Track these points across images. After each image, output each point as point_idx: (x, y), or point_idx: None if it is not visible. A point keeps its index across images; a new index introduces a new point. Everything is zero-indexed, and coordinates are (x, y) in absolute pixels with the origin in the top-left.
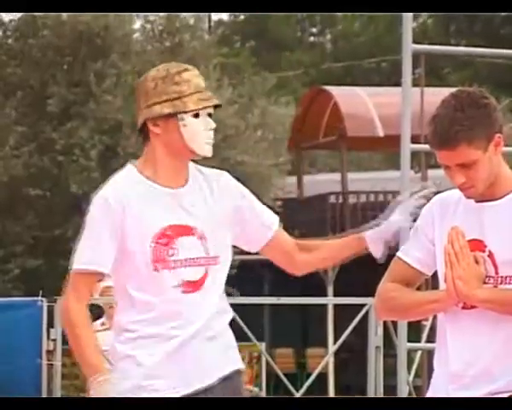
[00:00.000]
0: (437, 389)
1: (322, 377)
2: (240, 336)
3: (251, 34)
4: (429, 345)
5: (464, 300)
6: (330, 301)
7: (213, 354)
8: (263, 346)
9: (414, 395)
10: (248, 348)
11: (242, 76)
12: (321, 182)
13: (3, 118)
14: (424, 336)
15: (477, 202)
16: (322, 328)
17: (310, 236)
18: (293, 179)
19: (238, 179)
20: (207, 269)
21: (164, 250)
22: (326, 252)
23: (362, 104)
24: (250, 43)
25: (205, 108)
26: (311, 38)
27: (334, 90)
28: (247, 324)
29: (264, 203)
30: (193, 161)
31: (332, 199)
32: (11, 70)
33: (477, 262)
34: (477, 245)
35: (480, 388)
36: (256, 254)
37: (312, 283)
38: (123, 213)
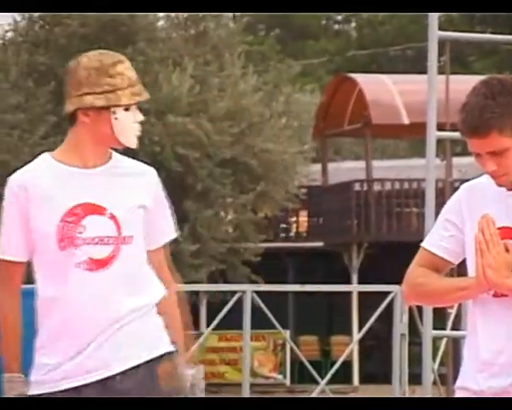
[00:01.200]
0: (466, 377)
1: (347, 364)
2: (264, 323)
3: (275, 22)
4: (454, 333)
5: (494, 288)
6: (355, 288)
7: (114, 343)
8: (287, 333)
9: (438, 384)
10: (273, 335)
11: (267, 64)
12: (345, 170)
13: (36, 107)
14: (449, 323)
15: (508, 189)
16: (346, 316)
17: (334, 223)
18: (317, 167)
19: (262, 165)
20: (118, 248)
21: (72, 228)
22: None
23: (387, 92)
24: (275, 31)
25: (135, 102)
26: (336, 26)
27: (359, 78)
28: (271, 311)
29: (289, 191)
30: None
31: (357, 187)
32: (41, 58)
33: (507, 250)
34: (508, 233)
35: (509, 376)
36: (280, 242)
37: (337, 270)
38: (26, 197)
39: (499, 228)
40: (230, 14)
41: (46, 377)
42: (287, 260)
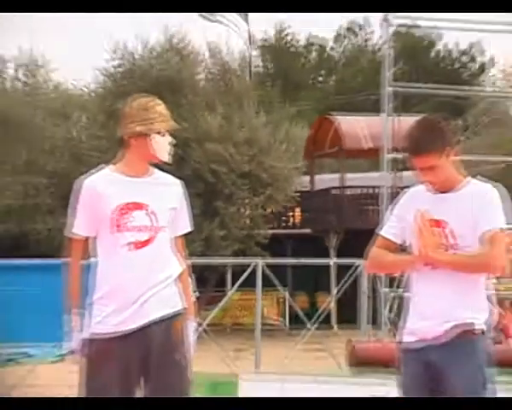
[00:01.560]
0: (410, 322)
1: (327, 313)
2: (271, 285)
3: (278, 78)
4: (401, 291)
5: (427, 261)
6: (333, 261)
7: (155, 301)
8: (286, 292)
9: (389, 326)
10: (276, 293)
11: (272, 107)
12: (326, 180)
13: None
14: (397, 285)
15: (434, 193)
16: (327, 280)
17: (318, 216)
18: (307, 178)
19: (268, 177)
20: (153, 235)
21: (122, 218)
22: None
23: (354, 127)
24: (277, 83)
25: (167, 130)
26: (320, 79)
27: (336, 117)
28: (276, 277)
29: (287, 194)
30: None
31: (334, 191)
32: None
33: (436, 235)
34: (435, 223)
35: (436, 319)
36: (282, 229)
37: (320, 249)
38: (93, 194)
39: (429, 220)
40: (247, 73)
41: (102, 320)
42: (286, 241)
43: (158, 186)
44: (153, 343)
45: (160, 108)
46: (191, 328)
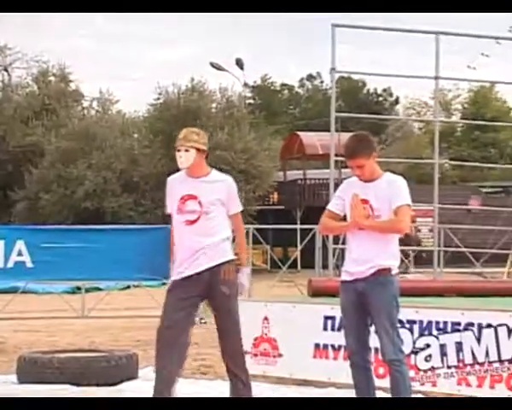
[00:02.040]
0: (346, 265)
1: (295, 260)
2: (258, 242)
3: (263, 108)
4: (342, 246)
5: (359, 226)
6: (298, 226)
7: (204, 256)
8: (268, 247)
9: (334, 269)
10: (262, 247)
11: (259, 128)
12: (294, 174)
13: (156, 148)
14: (340, 241)
15: (364, 182)
16: (295, 239)
17: (289, 198)
18: (281, 173)
19: (257, 172)
20: (200, 216)
21: (182, 204)
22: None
23: (313, 139)
24: (263, 113)
25: (180, 148)
26: (290, 109)
27: (300, 134)
28: (262, 237)
29: (269, 184)
30: (219, 169)
31: (299, 182)
32: (159, 126)
33: (364, 209)
34: (364, 201)
35: (364, 263)
36: (265, 206)
37: (290, 219)
38: (172, 187)
39: (361, 199)
40: (242, 106)
41: (175, 271)
42: (268, 214)
43: (208, 183)
44: (204, 283)
45: (181, 133)
46: (245, 271)
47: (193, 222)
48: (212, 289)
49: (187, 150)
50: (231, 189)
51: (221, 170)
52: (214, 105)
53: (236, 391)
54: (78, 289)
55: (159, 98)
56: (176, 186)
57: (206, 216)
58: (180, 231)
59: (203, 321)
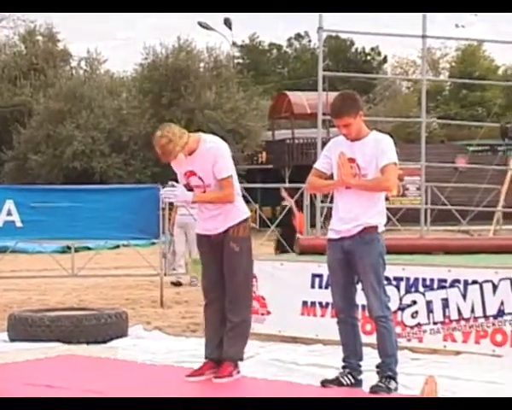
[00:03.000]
0: (333, 224)
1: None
2: (247, 201)
3: (252, 68)
4: (329, 204)
5: (345, 184)
6: (287, 185)
7: (215, 221)
8: (257, 205)
9: (322, 227)
10: (250, 206)
11: (247, 87)
12: (282, 134)
13: (145, 107)
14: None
15: (351, 141)
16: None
17: (277, 157)
18: (270, 132)
19: (245, 132)
20: (204, 189)
21: (188, 180)
22: None
23: (300, 99)
24: (251, 73)
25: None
26: (279, 66)
27: (288, 93)
28: (250, 196)
29: (257, 143)
30: (213, 133)
31: (287, 141)
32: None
33: (351, 168)
34: (351, 160)
35: (350, 221)
36: (254, 165)
37: (279, 178)
38: (180, 163)
39: (348, 158)
40: (231, 66)
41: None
42: (256, 173)
43: (201, 157)
44: (217, 242)
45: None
46: (180, 189)
47: (204, 188)
48: (221, 247)
49: (175, 157)
50: (216, 157)
51: (210, 130)
52: (202, 65)
53: (225, 333)
54: (68, 248)
55: (146, 58)
56: (181, 163)
57: (210, 188)
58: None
59: (194, 283)
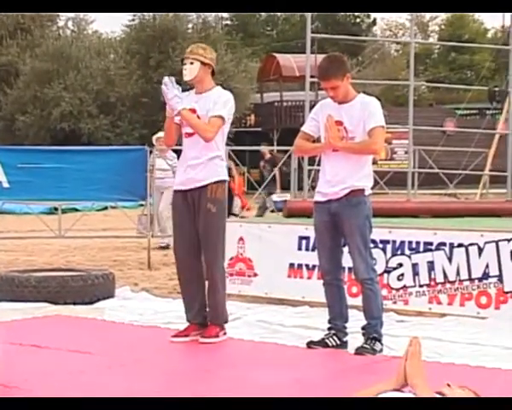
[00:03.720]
0: (320, 186)
1: (273, 179)
2: (236, 164)
3: (240, 30)
4: (317, 167)
5: (333, 147)
6: (276, 147)
7: (194, 170)
8: (245, 168)
9: (309, 190)
10: (239, 168)
11: (236, 49)
12: (271, 96)
13: (133, 68)
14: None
15: (338, 104)
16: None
17: (266, 120)
18: (258, 95)
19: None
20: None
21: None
22: None
23: (289, 61)
24: (239, 34)
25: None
26: (268, 28)
27: (277, 56)
28: (238, 159)
29: (246, 106)
30: (221, 86)
31: (276, 104)
32: (136, 48)
33: (338, 130)
34: (338, 123)
35: (337, 184)
36: (242, 128)
37: (268, 140)
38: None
39: (335, 121)
40: (219, 27)
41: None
42: (245, 136)
43: (206, 98)
44: (194, 198)
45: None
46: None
47: (190, 135)
48: (196, 205)
49: (192, 63)
50: (220, 99)
51: None
52: (190, 26)
53: (207, 296)
54: (56, 209)
55: (134, 19)
56: (184, 100)
57: None
58: (183, 142)
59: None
